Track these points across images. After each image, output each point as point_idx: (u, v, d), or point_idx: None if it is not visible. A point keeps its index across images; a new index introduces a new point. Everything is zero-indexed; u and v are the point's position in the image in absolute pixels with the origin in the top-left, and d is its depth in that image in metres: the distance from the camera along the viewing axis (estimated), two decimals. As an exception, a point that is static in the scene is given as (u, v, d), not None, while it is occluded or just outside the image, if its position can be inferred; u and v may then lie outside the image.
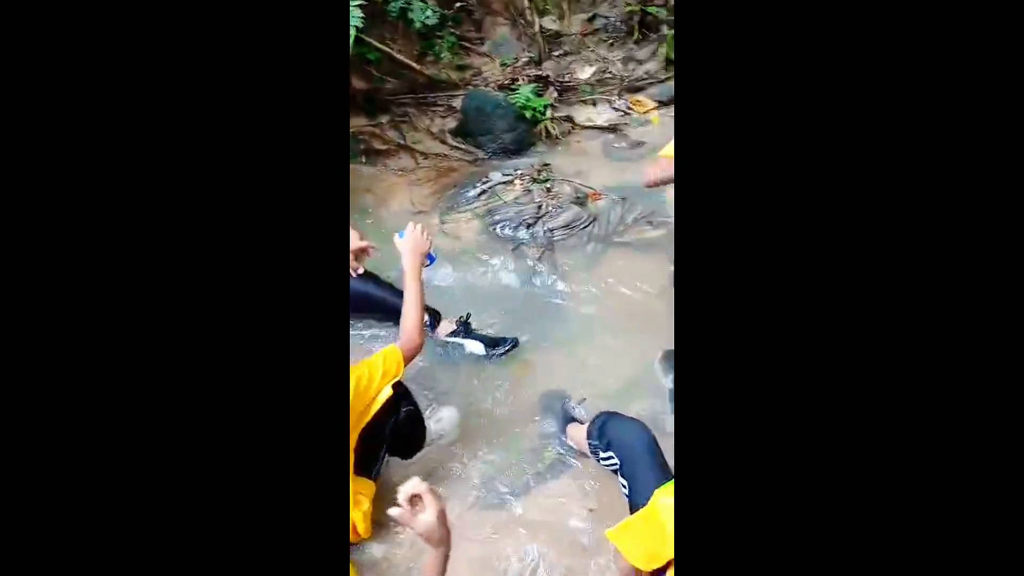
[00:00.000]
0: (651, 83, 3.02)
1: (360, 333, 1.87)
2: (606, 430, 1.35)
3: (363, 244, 1.52)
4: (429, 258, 1.48)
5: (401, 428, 1.43)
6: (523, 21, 3.10)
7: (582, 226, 2.24)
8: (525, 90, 2.76)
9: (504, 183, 2.45)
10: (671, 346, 1.80)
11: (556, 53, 3.12)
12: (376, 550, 1.41)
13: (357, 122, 2.63)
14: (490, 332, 1.88)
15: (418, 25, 2.63)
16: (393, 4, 2.57)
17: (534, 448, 1.61)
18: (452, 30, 2.93)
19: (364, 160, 2.54)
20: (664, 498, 1.07)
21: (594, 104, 2.94)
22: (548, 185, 2.41)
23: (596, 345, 1.86)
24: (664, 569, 1.18)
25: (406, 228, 1.45)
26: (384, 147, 2.64)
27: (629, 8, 3.11)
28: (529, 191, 2.39)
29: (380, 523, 1.40)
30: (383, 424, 1.38)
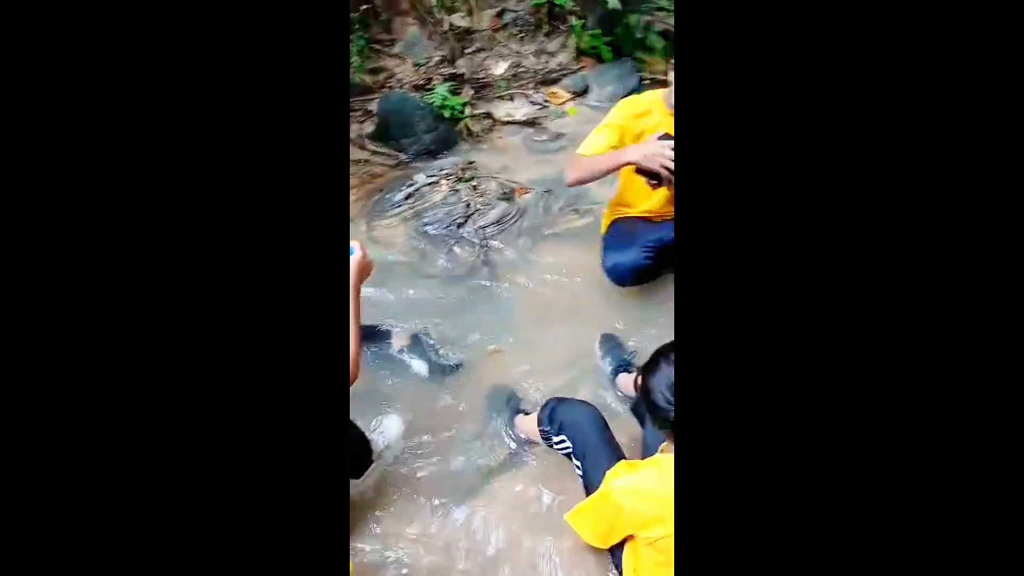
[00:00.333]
0: (565, 74, 3.09)
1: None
2: (556, 415, 1.39)
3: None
4: None
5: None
6: (432, 20, 3.08)
7: (512, 221, 2.27)
8: (441, 89, 2.76)
9: (430, 184, 2.45)
10: (608, 330, 1.87)
11: (468, 50, 3.13)
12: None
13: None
14: (434, 336, 1.88)
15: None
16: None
17: (485, 445, 1.63)
18: (361, 33, 2.87)
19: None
20: (615, 480, 1.12)
21: (511, 99, 2.97)
22: (474, 183, 2.42)
23: (538, 337, 1.89)
24: (620, 545, 1.24)
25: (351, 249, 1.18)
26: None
27: (535, 1, 3.15)
28: (456, 191, 2.39)
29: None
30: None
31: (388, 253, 2.19)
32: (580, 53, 3.12)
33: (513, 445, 1.62)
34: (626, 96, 2.11)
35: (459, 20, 3.17)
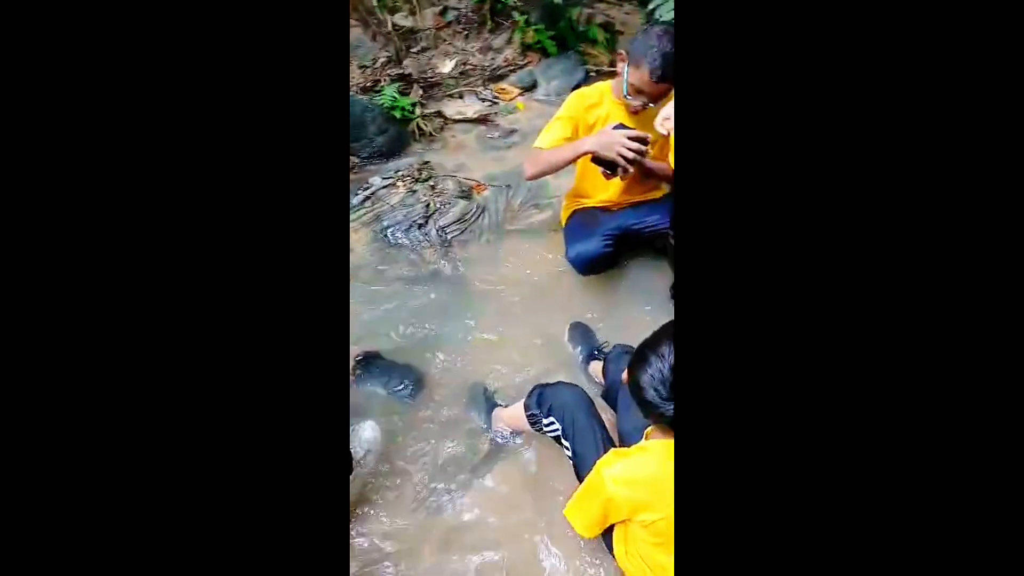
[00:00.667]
0: (512, 70, 3.11)
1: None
2: (544, 398, 1.40)
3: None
4: None
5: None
6: (374, 21, 3.04)
7: (473, 219, 2.28)
8: (389, 90, 2.73)
9: (386, 187, 2.42)
10: (576, 319, 1.90)
11: (414, 50, 3.11)
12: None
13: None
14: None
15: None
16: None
17: (465, 442, 1.64)
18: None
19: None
20: (607, 470, 1.15)
21: (461, 97, 2.97)
22: (432, 183, 2.41)
23: (508, 331, 1.91)
24: (610, 527, 1.27)
25: None
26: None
27: (477, -2, 3.16)
28: (414, 191, 2.38)
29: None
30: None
31: (351, 259, 2.16)
32: (526, 48, 3.14)
33: (495, 439, 1.63)
34: (574, 89, 2.15)
35: (402, 20, 3.15)
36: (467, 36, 3.21)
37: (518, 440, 1.61)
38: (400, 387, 1.75)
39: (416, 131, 2.74)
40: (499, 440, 1.62)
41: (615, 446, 1.35)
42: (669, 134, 1.60)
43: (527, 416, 1.42)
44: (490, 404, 1.68)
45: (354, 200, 2.37)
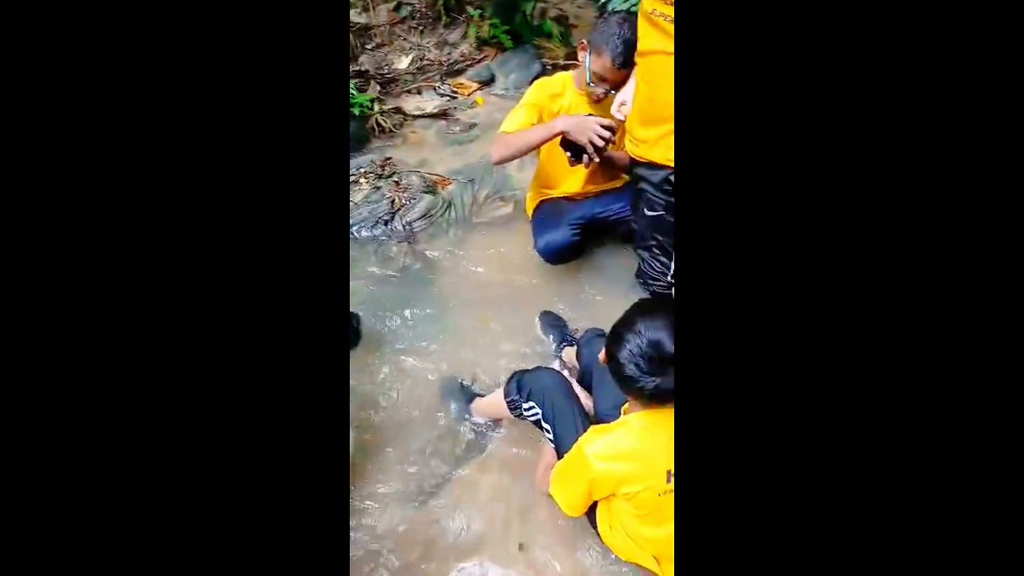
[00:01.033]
0: (469, 64, 3.10)
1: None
2: (524, 383, 1.42)
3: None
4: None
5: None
6: (327, 16, 2.99)
7: (439, 213, 2.27)
8: (347, 87, 2.69)
9: (349, 184, 2.39)
10: (546, 308, 1.93)
11: (369, 46, 3.07)
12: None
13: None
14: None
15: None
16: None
17: (445, 435, 1.64)
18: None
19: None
20: (589, 447, 1.17)
21: (419, 92, 2.95)
22: (396, 179, 2.39)
23: (480, 324, 1.92)
24: (594, 506, 1.29)
25: None
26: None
27: (431, -7, 3.14)
28: (378, 188, 2.35)
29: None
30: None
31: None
32: (481, 43, 3.14)
33: (474, 431, 1.64)
34: (531, 83, 2.17)
35: (356, 16, 3.10)
36: (422, 31, 3.19)
37: (498, 430, 1.62)
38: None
39: (375, 127, 2.71)
40: (478, 431, 1.63)
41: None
42: (625, 119, 1.64)
43: (507, 402, 1.44)
44: (467, 395, 1.69)
45: (316, 199, 2.33)
